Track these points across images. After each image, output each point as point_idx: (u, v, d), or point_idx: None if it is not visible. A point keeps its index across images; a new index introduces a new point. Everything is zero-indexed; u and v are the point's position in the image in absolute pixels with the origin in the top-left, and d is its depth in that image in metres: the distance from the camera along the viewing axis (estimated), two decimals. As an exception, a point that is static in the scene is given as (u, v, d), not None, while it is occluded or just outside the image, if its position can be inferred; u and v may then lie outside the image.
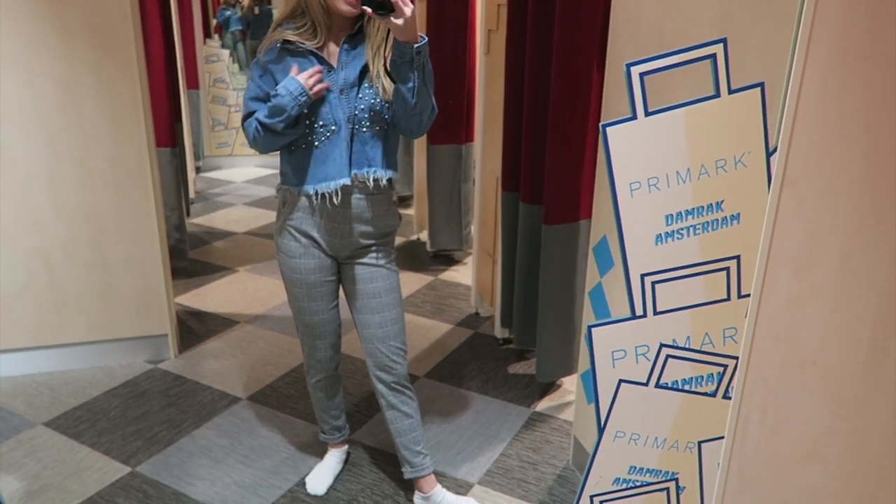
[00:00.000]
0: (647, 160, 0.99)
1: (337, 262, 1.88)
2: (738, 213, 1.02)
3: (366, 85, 1.71)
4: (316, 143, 1.72)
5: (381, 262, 1.86)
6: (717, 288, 1.06)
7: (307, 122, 1.70)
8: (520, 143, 2.58)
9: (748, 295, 0.93)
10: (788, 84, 0.83)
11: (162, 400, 2.61)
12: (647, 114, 0.98)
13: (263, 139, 1.69)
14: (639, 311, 1.07)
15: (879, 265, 0.86)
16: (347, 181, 1.71)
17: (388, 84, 1.69)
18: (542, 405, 2.61)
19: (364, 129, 1.72)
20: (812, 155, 0.86)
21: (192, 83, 5.91)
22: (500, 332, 3.05)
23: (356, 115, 1.71)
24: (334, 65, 1.71)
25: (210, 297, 3.58)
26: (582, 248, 2.41)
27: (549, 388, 2.71)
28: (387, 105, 1.72)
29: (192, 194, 5.20)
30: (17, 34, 2.41)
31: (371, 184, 1.75)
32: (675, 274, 1.05)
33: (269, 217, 4.96)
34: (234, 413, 2.54)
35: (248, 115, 1.74)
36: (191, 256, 4.07)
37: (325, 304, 1.91)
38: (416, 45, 1.57)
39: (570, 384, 2.74)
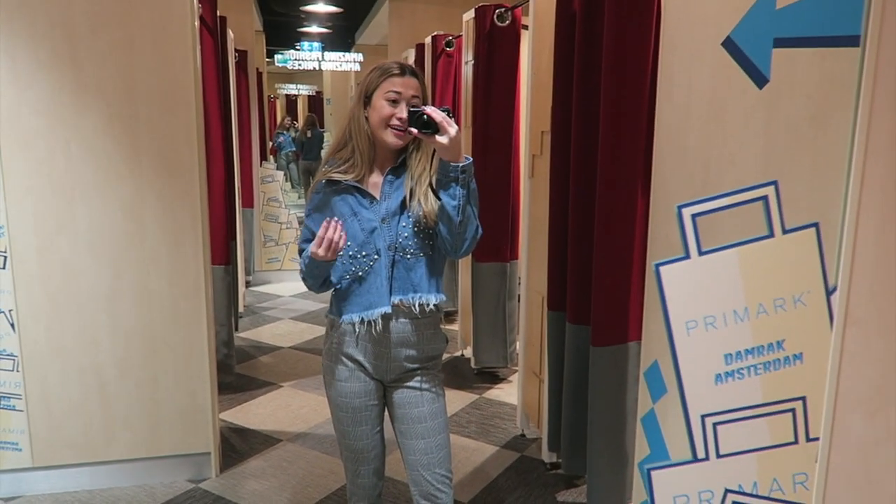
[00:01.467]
0: (703, 299, 0.98)
1: (383, 386, 1.87)
2: (801, 353, 0.99)
3: (408, 213, 1.76)
4: (360, 273, 1.76)
5: (427, 385, 1.85)
6: (783, 430, 1.01)
7: (350, 254, 1.75)
8: (565, 263, 2.60)
9: (817, 438, 0.89)
10: (844, 222, 0.83)
11: (201, 523, 2.55)
12: (701, 253, 0.98)
13: (307, 281, 1.81)
14: (700, 454, 1.02)
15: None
16: (388, 309, 1.74)
17: (431, 209, 1.73)
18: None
19: (408, 256, 1.76)
20: (875, 293, 0.84)
21: (248, 202, 6.19)
22: (547, 456, 2.94)
23: (399, 242, 1.75)
24: (377, 196, 1.77)
25: (254, 413, 3.57)
26: (632, 371, 2.35)
27: (600, 519, 2.57)
28: (430, 231, 1.76)
29: (241, 308, 5.31)
30: (91, 161, 2.59)
31: (417, 309, 1.77)
32: (738, 415, 1.01)
33: (314, 332, 5.01)
34: (272, 539, 2.46)
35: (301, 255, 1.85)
36: (237, 371, 4.10)
37: (370, 430, 1.88)
38: (460, 165, 1.63)
39: (624, 515, 2.59)
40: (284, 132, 13.87)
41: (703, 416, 1.02)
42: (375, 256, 1.74)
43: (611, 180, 2.28)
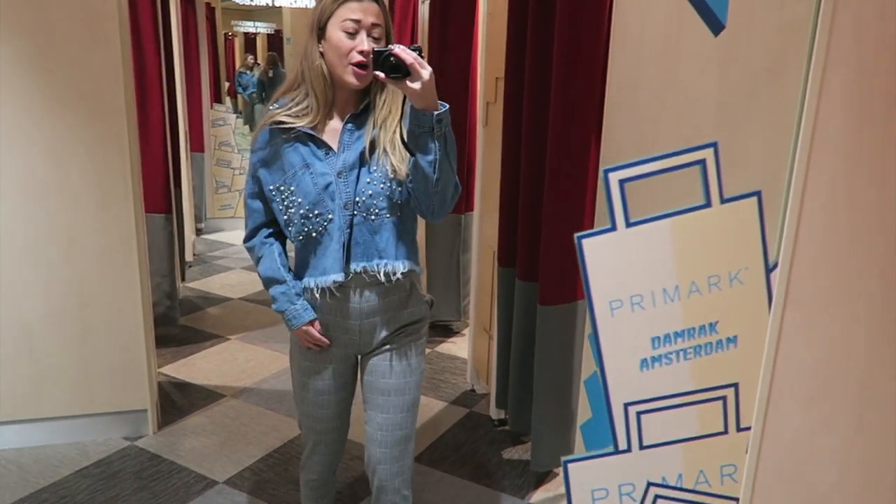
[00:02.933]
0: (630, 276, 0.88)
1: (356, 358, 1.72)
2: (736, 336, 0.90)
3: (371, 167, 1.53)
4: (313, 234, 1.55)
5: (399, 356, 1.66)
6: (712, 420, 0.93)
7: (301, 212, 1.54)
8: (516, 217, 2.50)
9: (748, 428, 0.82)
10: (789, 191, 0.74)
11: (134, 482, 2.46)
12: (629, 224, 0.88)
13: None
14: (622, 445, 0.95)
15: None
16: (340, 277, 1.54)
17: (399, 162, 1.51)
18: (537, 496, 2.44)
19: (372, 217, 1.53)
20: (819, 272, 0.76)
21: (197, 146, 5.93)
22: (495, 412, 2.91)
23: (361, 201, 1.52)
24: (334, 146, 1.55)
25: (198, 367, 3.46)
26: (580, 331, 2.29)
27: (544, 477, 2.55)
28: (398, 186, 1.53)
29: (189, 257, 5.14)
30: (7, 101, 2.38)
31: (382, 277, 1.56)
32: (664, 403, 0.93)
33: (266, 282, 4.87)
34: (208, 499, 2.38)
35: (252, 230, 1.67)
36: (182, 323, 3.96)
37: (333, 412, 1.73)
38: (435, 113, 1.39)
39: (568, 473, 2.57)
40: (247, 72, 13.34)
41: (626, 405, 0.94)
42: (329, 216, 1.52)
43: (563, 131, 2.17)
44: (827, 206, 0.74)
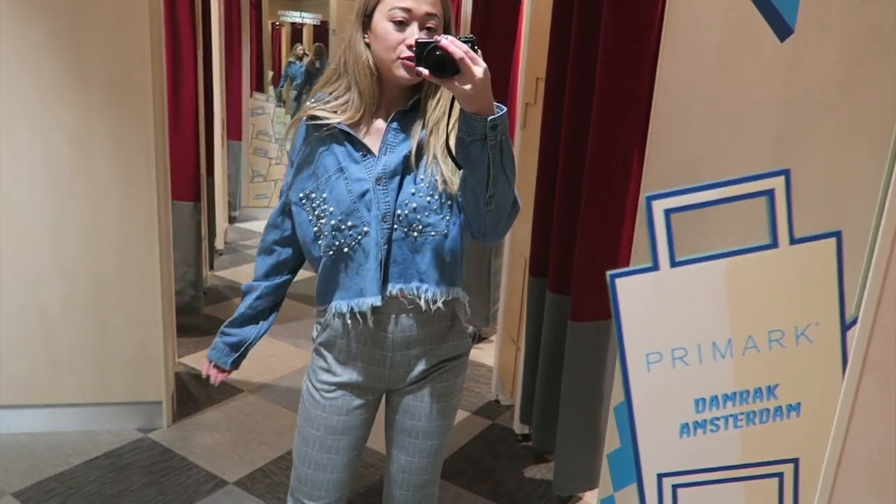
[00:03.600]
0: (673, 325, 0.75)
1: (380, 398, 1.52)
2: (799, 403, 0.76)
3: (417, 175, 1.32)
4: (345, 249, 1.34)
5: (434, 397, 1.44)
6: (764, 500, 0.79)
7: (332, 223, 1.33)
8: (550, 226, 2.37)
9: (808, 510, 0.70)
10: (878, 235, 0.60)
11: (144, 476, 2.41)
12: (674, 264, 0.75)
13: None
14: None
15: None
16: (377, 301, 1.32)
17: (451, 172, 1.30)
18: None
19: (415, 234, 1.32)
20: (905, 331, 0.62)
21: (235, 134, 5.92)
22: (518, 427, 2.78)
23: (401, 214, 1.31)
24: (375, 148, 1.34)
25: (218, 359, 3.40)
26: (612, 350, 2.16)
27: (567, 500, 2.42)
28: (447, 200, 1.32)
29: (220, 246, 5.12)
30: (33, 87, 2.34)
31: (423, 304, 1.34)
32: (707, 477, 0.79)
33: (295, 274, 4.81)
34: (216, 500, 2.31)
35: (270, 234, 1.51)
36: (207, 312, 3.92)
37: (341, 460, 1.48)
38: (489, 118, 1.15)
39: (593, 498, 2.44)
40: (297, 61, 13.38)
41: (660, 476, 0.81)
42: (364, 229, 1.32)
43: (604, 139, 2.03)
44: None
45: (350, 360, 1.42)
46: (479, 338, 3.86)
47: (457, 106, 1.21)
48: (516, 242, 2.91)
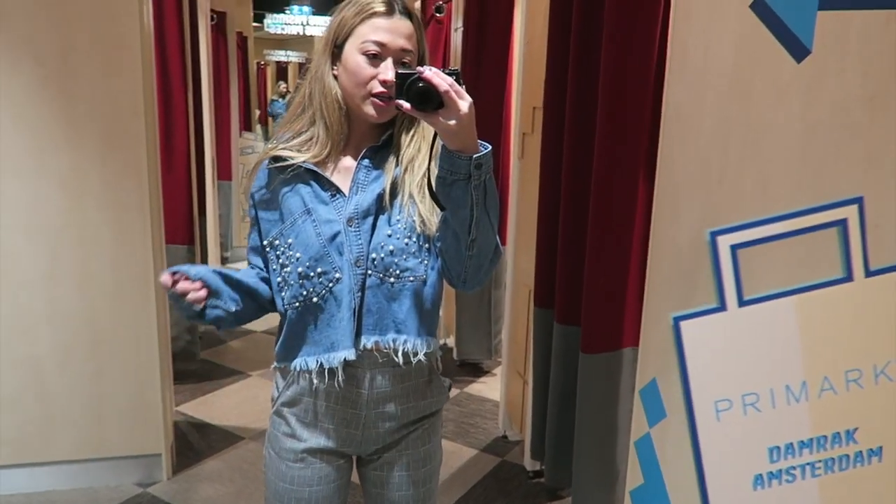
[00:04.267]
0: (743, 369, 0.70)
1: (353, 461, 1.37)
2: (881, 447, 0.71)
3: (392, 216, 1.21)
4: (314, 299, 1.21)
5: (416, 459, 1.32)
6: None
7: (299, 270, 1.21)
8: (555, 255, 2.33)
9: (895, 565, 0.64)
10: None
11: (144, 534, 2.31)
12: (742, 303, 0.70)
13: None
14: None
15: None
16: (350, 355, 1.20)
17: (429, 212, 1.20)
18: (578, 561, 2.23)
19: (391, 279, 1.20)
20: None
21: (225, 174, 5.87)
22: (529, 463, 2.70)
23: (376, 258, 1.20)
24: (345, 188, 1.23)
25: (217, 405, 3.31)
26: (626, 381, 2.10)
27: (585, 539, 2.33)
28: (425, 243, 1.22)
29: (214, 288, 5.03)
30: (24, 132, 2.29)
31: (399, 357, 1.22)
32: None
33: (290, 314, 4.74)
34: (221, 556, 2.22)
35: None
36: (204, 357, 3.84)
37: None
38: (474, 156, 1.07)
39: (611, 535, 2.35)
40: (280, 99, 13.48)
41: None
42: (336, 275, 1.20)
43: (609, 164, 2.00)
44: None
45: (318, 423, 1.26)
46: (481, 371, 3.79)
47: (438, 142, 1.13)
48: (519, 273, 2.86)
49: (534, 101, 2.65)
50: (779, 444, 0.71)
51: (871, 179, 1.00)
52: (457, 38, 3.80)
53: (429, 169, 1.20)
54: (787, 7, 1.22)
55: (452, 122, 1.04)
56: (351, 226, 1.21)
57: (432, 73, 1.04)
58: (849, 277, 0.69)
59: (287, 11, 10.04)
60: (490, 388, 3.57)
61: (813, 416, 0.70)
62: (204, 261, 4.24)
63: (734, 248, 0.70)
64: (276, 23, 9.72)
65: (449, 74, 1.05)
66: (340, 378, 1.21)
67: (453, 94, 1.03)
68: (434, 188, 1.14)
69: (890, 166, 1.00)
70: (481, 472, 2.75)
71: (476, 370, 3.79)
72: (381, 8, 1.18)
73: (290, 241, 1.23)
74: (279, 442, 1.30)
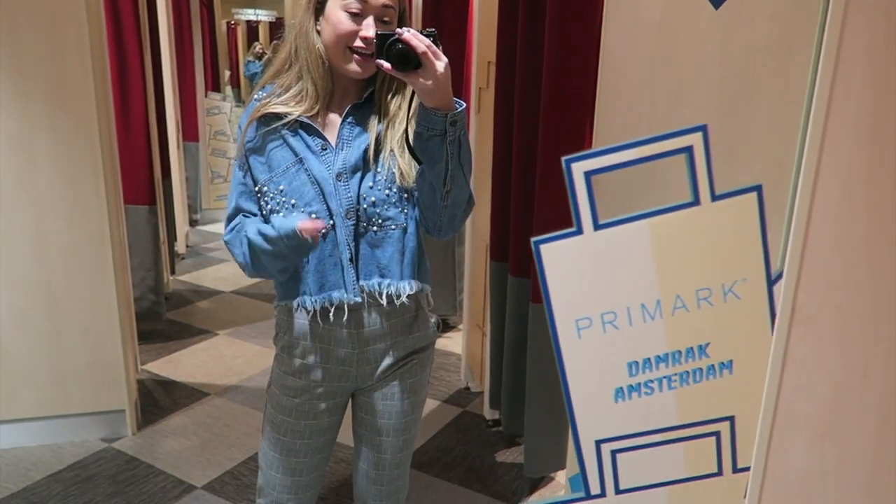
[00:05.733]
0: (601, 289, 0.74)
1: (347, 395, 1.47)
2: (731, 361, 0.76)
3: (376, 170, 1.30)
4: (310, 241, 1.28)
5: (403, 391, 1.43)
6: (703, 459, 0.79)
7: (294, 215, 1.26)
8: (508, 209, 2.37)
9: (748, 468, 0.69)
10: (797, 187, 0.60)
11: (109, 487, 2.36)
12: (598, 227, 0.74)
13: (257, 267, 1.32)
14: (595, 490, 0.81)
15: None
16: (350, 297, 1.30)
17: (408, 166, 1.29)
18: (530, 501, 2.32)
19: (374, 228, 1.30)
20: (833, 283, 0.62)
21: (191, 135, 5.80)
22: (489, 413, 2.78)
23: (362, 208, 1.29)
24: (332, 141, 1.31)
25: (183, 363, 3.34)
26: (574, 329, 2.16)
27: (539, 482, 2.43)
28: (405, 194, 1.31)
29: (182, 249, 5.03)
30: (-32, 89, 2.26)
31: (384, 299, 1.32)
32: (645, 440, 0.78)
33: (260, 274, 4.74)
34: (185, 506, 2.27)
35: (233, 221, 1.37)
36: (170, 318, 3.85)
37: (309, 462, 1.46)
38: (449, 114, 1.15)
39: (563, 478, 2.45)
40: (256, 60, 13.17)
41: (598, 443, 0.80)
42: (330, 222, 1.29)
43: (555, 119, 2.03)
44: (843, 204, 0.61)
45: (315, 362, 1.38)
46: (447, 326, 3.85)
47: (416, 99, 1.20)
48: (477, 229, 2.90)
49: (489, 56, 2.65)
50: (637, 360, 0.76)
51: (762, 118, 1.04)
52: (418, -6, 3.75)
53: (407, 125, 1.28)
54: (707, -46, 1.24)
55: (430, 82, 1.12)
56: (340, 180, 1.29)
57: (411, 35, 1.11)
58: (696, 202, 0.73)
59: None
60: (455, 342, 3.64)
61: (668, 332, 0.76)
62: (170, 223, 4.24)
63: (587, 175, 0.74)
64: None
65: (427, 36, 1.12)
66: (343, 317, 1.31)
67: (430, 55, 1.10)
68: (412, 144, 1.23)
69: (793, 104, 1.04)
70: (442, 422, 2.83)
71: (443, 325, 3.85)
72: None
73: (280, 187, 1.30)
74: (281, 379, 1.43)
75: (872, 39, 0.60)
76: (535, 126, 2.13)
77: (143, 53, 3.38)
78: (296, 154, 1.29)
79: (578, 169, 0.73)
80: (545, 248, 0.78)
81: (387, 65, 1.13)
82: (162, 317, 3.60)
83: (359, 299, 1.31)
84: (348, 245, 1.29)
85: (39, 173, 2.37)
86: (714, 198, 0.72)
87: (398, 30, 1.13)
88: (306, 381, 1.40)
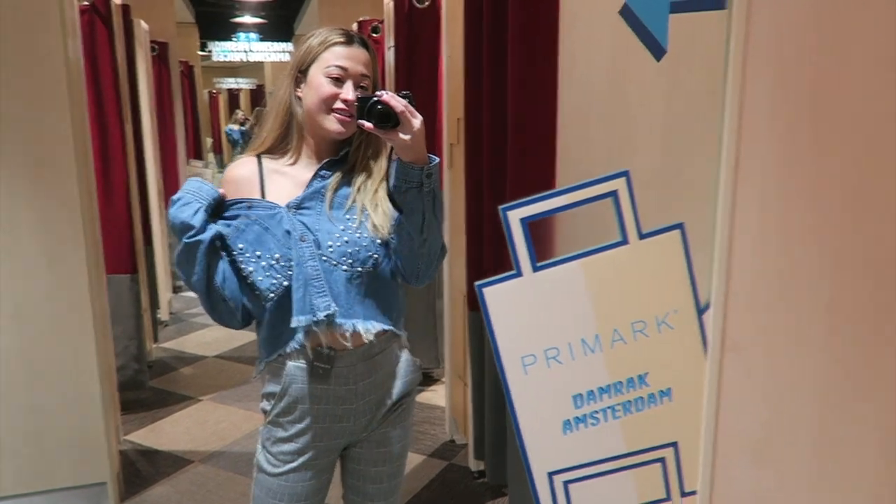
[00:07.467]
0: (543, 327, 0.78)
1: (340, 450, 1.48)
2: (669, 388, 0.80)
3: (345, 214, 1.36)
4: (285, 283, 1.32)
5: (394, 441, 1.48)
6: (652, 485, 0.82)
7: (262, 264, 1.31)
8: (482, 259, 2.42)
9: (695, 492, 0.72)
10: (716, 221, 0.65)
11: (91, 563, 2.31)
12: (536, 268, 0.79)
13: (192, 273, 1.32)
14: None
15: (865, 448, 0.65)
16: (331, 308, 1.31)
17: (382, 220, 1.36)
18: (519, 554, 2.29)
19: (343, 267, 1.34)
20: (757, 310, 0.67)
21: (174, 203, 5.86)
22: (474, 464, 2.77)
23: (332, 246, 1.34)
24: (298, 189, 1.39)
25: (166, 431, 3.31)
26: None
27: (528, 532, 2.40)
28: (378, 239, 1.36)
29: (165, 316, 5.02)
30: (-52, 168, 2.30)
31: (365, 339, 1.36)
32: (595, 470, 0.82)
33: (243, 337, 4.73)
34: (169, 577, 2.23)
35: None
36: (153, 385, 3.82)
37: None
38: (425, 167, 1.26)
39: (553, 527, 2.42)
40: (239, 126, 13.36)
41: (550, 475, 0.83)
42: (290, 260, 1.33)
43: (521, 168, 2.10)
44: (759, 237, 0.66)
45: (313, 424, 1.39)
46: (432, 380, 3.85)
47: (394, 157, 1.31)
48: (454, 280, 2.94)
49: (457, 113, 2.74)
50: (581, 392, 0.80)
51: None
52: (389, 56, 3.89)
53: (385, 182, 1.39)
54: (645, 10, 1.33)
55: (408, 137, 1.24)
56: (296, 212, 1.34)
57: (389, 96, 1.23)
58: (625, 241, 0.78)
59: (234, 39, 10.07)
60: (439, 395, 3.63)
61: (608, 364, 0.80)
62: (153, 291, 4.25)
63: (523, 221, 0.79)
64: (223, 50, 9.74)
65: (403, 97, 1.25)
66: (322, 367, 1.33)
67: (408, 114, 1.23)
68: (392, 196, 1.34)
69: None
70: (428, 476, 2.81)
71: (427, 379, 3.85)
72: (341, 38, 1.36)
73: (240, 245, 1.32)
74: (276, 446, 1.42)
75: (773, 86, 0.66)
76: (504, 177, 2.20)
77: (123, 124, 3.46)
78: (254, 203, 1.36)
79: (514, 216, 0.79)
80: (488, 291, 0.82)
81: (368, 124, 1.24)
82: (145, 385, 3.58)
83: (333, 309, 1.30)
84: (315, 273, 1.32)
85: (22, 248, 2.39)
86: (641, 236, 0.78)
87: (378, 92, 1.25)
88: (303, 445, 1.40)
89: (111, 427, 2.64)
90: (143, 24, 4.80)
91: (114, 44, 3.44)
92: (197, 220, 1.29)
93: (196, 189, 1.33)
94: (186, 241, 1.30)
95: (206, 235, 1.30)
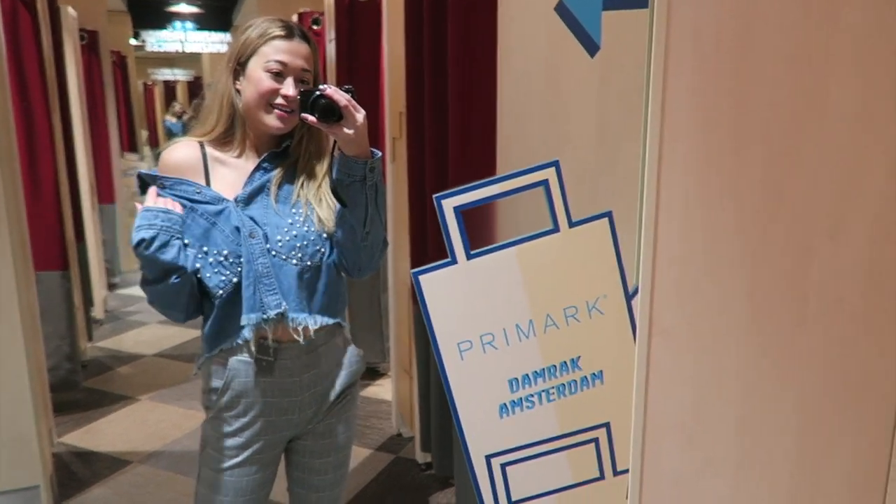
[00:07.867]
0: (478, 313, 0.80)
1: (286, 442, 1.48)
2: (601, 371, 0.83)
3: (291, 209, 1.35)
4: (234, 280, 1.31)
5: (340, 432, 1.48)
6: (586, 465, 0.85)
7: (210, 261, 1.30)
8: (426, 252, 2.43)
9: (626, 471, 0.75)
10: (642, 209, 0.68)
11: (23, 570, 2.23)
12: (470, 256, 0.81)
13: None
14: (488, 503, 0.86)
15: (785, 429, 0.69)
16: (281, 306, 1.31)
17: (326, 214, 1.36)
18: (465, 542, 2.33)
19: (293, 261, 1.34)
20: (684, 295, 0.70)
21: (107, 198, 5.67)
22: (420, 456, 2.79)
23: (281, 240, 1.34)
24: (238, 186, 1.37)
25: (103, 432, 3.21)
26: (495, 365, 2.22)
27: (473, 521, 2.44)
28: (323, 233, 1.36)
29: (100, 314, 4.86)
30: None
31: (312, 333, 1.35)
32: (531, 452, 0.84)
33: (185, 334, 4.63)
34: (107, 581, 2.17)
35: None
36: (88, 386, 3.70)
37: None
38: (368, 161, 1.27)
39: (497, 515, 2.47)
40: (176, 119, 12.96)
41: (488, 458, 0.85)
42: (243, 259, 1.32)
43: (462, 161, 2.12)
44: (684, 224, 0.69)
45: (258, 417, 1.38)
46: (377, 374, 3.85)
47: (336, 150, 1.30)
48: (399, 273, 2.95)
49: (399, 107, 2.74)
50: (517, 376, 0.83)
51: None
52: (330, 49, 3.86)
53: (329, 175, 1.37)
54: (580, 7, 1.36)
55: (351, 132, 1.24)
56: (240, 206, 1.33)
57: (333, 91, 1.23)
58: (556, 229, 0.81)
59: (169, 28, 9.76)
60: (385, 389, 3.63)
61: (542, 349, 0.82)
62: (86, 287, 4.11)
63: (456, 210, 0.81)
64: (158, 40, 9.44)
65: (346, 91, 1.24)
66: (267, 359, 1.33)
67: (351, 108, 1.23)
68: (335, 190, 1.32)
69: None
70: (375, 470, 2.81)
71: (373, 374, 3.85)
72: (281, 32, 1.32)
73: (186, 241, 1.30)
74: (221, 442, 1.39)
75: (692, 74, 0.69)
76: (446, 170, 2.21)
77: (51, 115, 3.33)
78: (197, 199, 1.33)
79: (448, 205, 0.80)
80: (424, 279, 0.83)
81: (312, 118, 1.24)
82: (79, 385, 3.46)
83: (283, 307, 1.30)
84: (264, 268, 1.31)
85: (-60, 244, 2.28)
86: (571, 224, 0.81)
87: (321, 86, 1.24)
88: (248, 439, 1.38)
89: (43, 429, 2.55)
90: (71, 11, 4.62)
91: (39, 31, 3.30)
92: (186, 261, 1.28)
93: (165, 221, 1.26)
94: (174, 281, 1.28)
95: (190, 270, 1.29)
